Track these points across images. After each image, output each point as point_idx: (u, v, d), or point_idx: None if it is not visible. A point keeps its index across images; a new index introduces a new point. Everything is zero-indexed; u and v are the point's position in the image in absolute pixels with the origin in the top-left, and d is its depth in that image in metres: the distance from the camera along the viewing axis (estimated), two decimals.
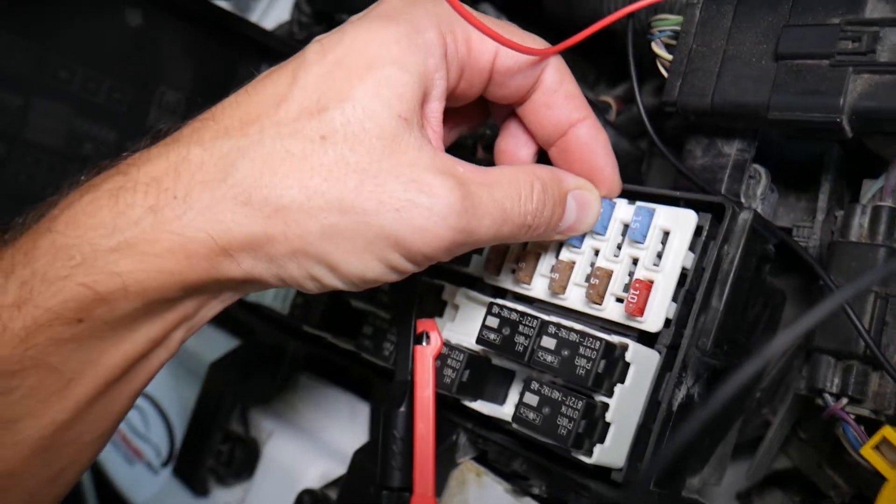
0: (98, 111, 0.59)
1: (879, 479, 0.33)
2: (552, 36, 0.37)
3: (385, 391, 0.43)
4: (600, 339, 0.35)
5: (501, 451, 0.43)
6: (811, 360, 0.38)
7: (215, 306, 0.34)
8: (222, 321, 0.67)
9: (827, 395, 0.37)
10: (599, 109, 0.52)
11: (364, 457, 0.47)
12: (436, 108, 0.34)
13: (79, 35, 0.57)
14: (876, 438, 0.31)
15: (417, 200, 0.31)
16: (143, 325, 0.32)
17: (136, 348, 0.32)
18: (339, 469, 0.53)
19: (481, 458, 0.46)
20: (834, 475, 0.45)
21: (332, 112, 0.31)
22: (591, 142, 0.38)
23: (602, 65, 0.67)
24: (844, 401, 0.36)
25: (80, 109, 0.58)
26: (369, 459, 0.47)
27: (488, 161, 0.41)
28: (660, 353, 0.37)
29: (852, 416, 0.36)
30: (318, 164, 0.30)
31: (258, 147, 0.31)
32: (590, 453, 0.35)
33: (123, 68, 0.59)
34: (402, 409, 0.40)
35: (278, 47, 0.64)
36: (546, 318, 0.37)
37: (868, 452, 0.31)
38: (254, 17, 0.77)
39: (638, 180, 0.53)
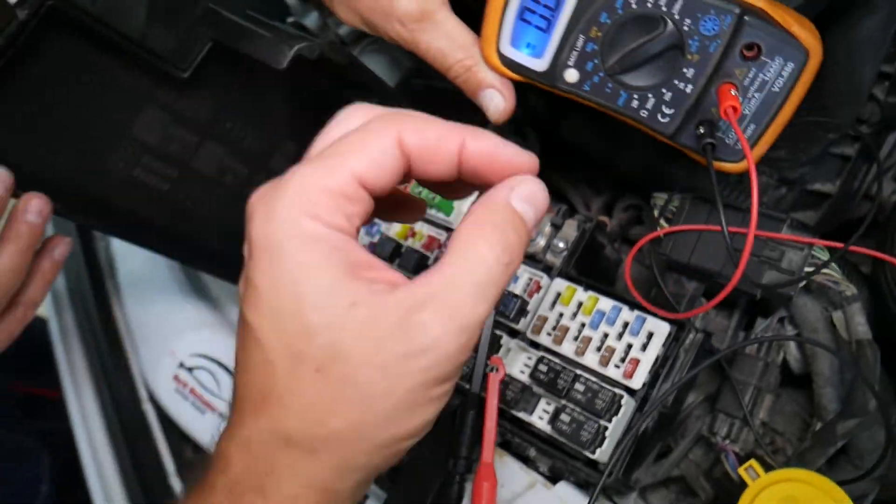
0: (241, 152, 0.80)
1: (738, 489, 0.62)
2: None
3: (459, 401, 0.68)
4: (611, 392, 0.62)
5: (521, 442, 0.69)
6: (713, 415, 0.67)
7: None
8: None
9: (718, 437, 0.66)
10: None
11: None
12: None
13: (245, 100, 0.77)
14: (746, 465, 0.60)
15: None
16: None
17: None
18: None
19: (504, 445, 0.71)
20: (706, 484, 0.75)
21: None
22: (486, 149, 0.39)
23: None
24: (728, 441, 0.66)
25: (230, 150, 0.79)
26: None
27: None
28: (636, 401, 0.64)
29: (732, 451, 0.65)
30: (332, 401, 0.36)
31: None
32: (594, 452, 0.62)
33: (263, 122, 0.80)
34: (473, 412, 0.66)
35: (375, 87, 0.78)
36: (578, 371, 0.64)
37: (742, 472, 0.60)
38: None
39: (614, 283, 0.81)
